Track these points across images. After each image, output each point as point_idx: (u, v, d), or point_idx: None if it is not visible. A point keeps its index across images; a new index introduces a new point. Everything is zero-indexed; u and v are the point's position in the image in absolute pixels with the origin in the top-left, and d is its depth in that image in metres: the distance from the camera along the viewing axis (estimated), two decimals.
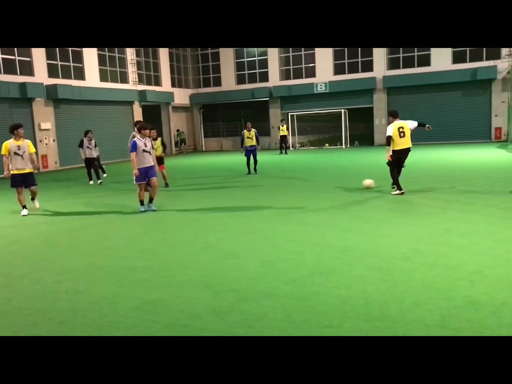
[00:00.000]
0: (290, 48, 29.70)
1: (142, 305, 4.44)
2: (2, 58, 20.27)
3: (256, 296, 4.53)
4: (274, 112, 30.69)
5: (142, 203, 9.37)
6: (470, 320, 3.77)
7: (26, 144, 9.57)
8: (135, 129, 10.22)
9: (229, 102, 31.86)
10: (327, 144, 29.63)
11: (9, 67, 20.49)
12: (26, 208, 9.69)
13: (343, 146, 28.53)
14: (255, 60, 31.16)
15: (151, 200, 9.48)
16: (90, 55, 24.58)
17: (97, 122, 24.41)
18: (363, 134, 29.31)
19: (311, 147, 29.90)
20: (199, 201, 10.62)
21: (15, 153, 9.37)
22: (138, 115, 27.74)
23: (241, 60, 31.53)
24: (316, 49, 28.83)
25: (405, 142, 9.78)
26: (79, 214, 9.71)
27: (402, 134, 9.74)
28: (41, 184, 14.51)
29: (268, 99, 30.47)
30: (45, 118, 21.85)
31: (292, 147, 29.15)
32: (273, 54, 30.21)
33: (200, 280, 5.08)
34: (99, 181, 14.78)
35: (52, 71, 22.50)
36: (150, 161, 9.29)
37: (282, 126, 25.55)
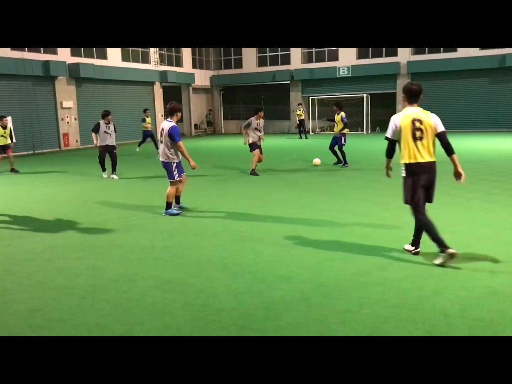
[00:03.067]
0: None
1: (161, 284, 4.48)
2: None
3: (273, 279, 4.53)
4: (295, 95, 30.38)
5: (171, 204, 7.58)
6: (491, 311, 3.71)
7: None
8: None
9: (249, 84, 31.63)
10: (347, 130, 29.22)
11: None
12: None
13: (364, 132, 28.17)
14: None
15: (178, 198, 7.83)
16: None
17: (118, 102, 24.51)
18: (385, 120, 28.78)
19: (331, 132, 29.58)
20: (218, 184, 10.63)
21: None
22: (158, 95, 27.78)
23: None
24: None
25: None
26: (99, 192, 9.82)
27: None
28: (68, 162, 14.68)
29: (289, 82, 30.16)
30: (67, 97, 22.01)
31: (311, 132, 28.89)
32: None
33: (218, 261, 5.10)
34: (115, 176, 11.90)
35: (75, 50, 22.58)
36: None
37: (299, 109, 25.26)
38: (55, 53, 21.48)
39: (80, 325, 3.67)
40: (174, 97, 30.16)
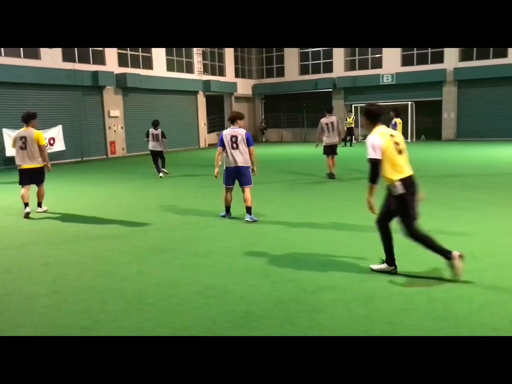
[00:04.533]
0: None
1: (204, 290, 4.55)
2: (77, 48, 21.29)
3: (315, 288, 4.51)
4: (337, 103, 30.17)
5: (227, 209, 7.76)
6: None
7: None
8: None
9: (291, 93, 31.70)
10: None
11: (83, 57, 21.49)
12: None
13: (409, 140, 27.61)
14: (319, 50, 30.75)
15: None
16: None
17: (162, 110, 25.09)
18: (430, 128, 28.20)
19: None
20: (258, 191, 10.70)
21: None
22: (201, 104, 28.26)
23: (306, 50, 31.22)
24: None
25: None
26: (146, 199, 10.08)
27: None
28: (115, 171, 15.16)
29: (331, 90, 30.02)
30: (114, 106, 22.76)
31: (354, 140, 28.58)
32: None
33: (259, 268, 5.13)
34: (160, 174, 13.59)
35: (122, 61, 23.36)
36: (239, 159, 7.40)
37: (349, 117, 25.12)
38: (104, 63, 22.28)
39: (126, 328, 3.78)
40: (216, 106, 30.67)
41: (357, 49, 29.51)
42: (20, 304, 4.34)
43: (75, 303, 4.33)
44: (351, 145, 24.60)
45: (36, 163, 8.55)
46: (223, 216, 7.78)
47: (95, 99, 21.95)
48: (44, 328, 3.82)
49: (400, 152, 4.62)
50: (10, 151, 17.29)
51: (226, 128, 7.75)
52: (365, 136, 29.06)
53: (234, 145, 7.38)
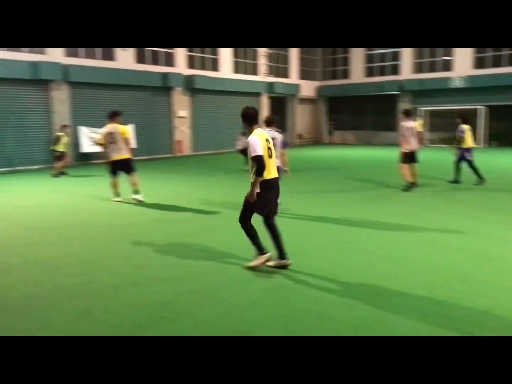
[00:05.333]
0: None
1: (276, 288, 4.65)
2: (150, 50, 22.16)
3: (388, 294, 4.49)
4: (404, 106, 29.37)
5: None
6: None
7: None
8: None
9: (356, 95, 31.25)
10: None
11: (154, 58, 22.34)
12: None
13: (481, 145, 26.43)
14: (385, 52, 30.11)
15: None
16: (225, 47, 25.80)
17: (227, 111, 25.59)
18: (503, 134, 26.81)
19: (442, 145, 28.17)
20: (326, 194, 10.67)
21: None
22: (265, 106, 28.50)
23: (372, 52, 30.69)
24: None
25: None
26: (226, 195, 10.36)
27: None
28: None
29: (397, 93, 29.29)
30: (181, 107, 23.47)
31: (422, 144, 27.70)
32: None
33: (330, 271, 5.16)
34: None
35: (191, 63, 24.05)
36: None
37: (418, 121, 24.39)
38: (173, 65, 23.04)
39: (203, 320, 3.95)
40: (279, 107, 30.80)
41: (425, 51, 28.63)
42: (105, 292, 4.64)
43: (155, 294, 4.56)
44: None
45: (123, 155, 9.44)
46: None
47: (164, 100, 22.73)
48: (128, 315, 4.07)
49: (270, 156, 5.15)
50: (86, 148, 18.37)
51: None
52: (432, 141, 28.22)
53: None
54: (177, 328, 3.82)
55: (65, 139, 14.50)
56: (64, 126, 15.13)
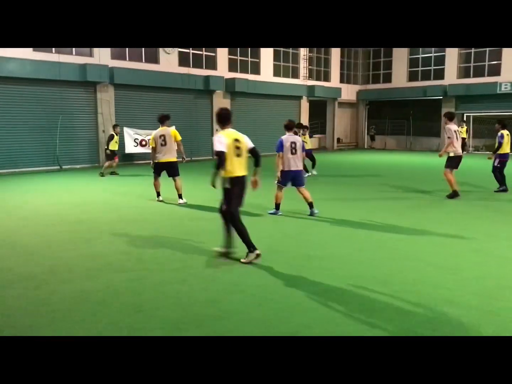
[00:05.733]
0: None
1: (323, 292, 4.64)
2: (192, 53, 22.54)
3: (438, 302, 4.40)
4: (447, 110, 28.72)
5: (278, 207, 8.54)
6: None
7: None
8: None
9: (397, 99, 30.75)
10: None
11: (197, 62, 22.70)
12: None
13: None
14: (430, 56, 29.49)
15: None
16: (266, 51, 25.89)
17: (266, 114, 25.69)
18: None
19: (487, 152, 27.34)
20: (371, 200, 10.56)
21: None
22: (305, 109, 28.45)
23: (415, 56, 30.12)
24: None
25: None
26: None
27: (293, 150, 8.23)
28: None
29: (441, 98, 28.63)
30: None
31: (464, 151, 27.00)
32: (452, 50, 28.23)
33: (379, 277, 5.11)
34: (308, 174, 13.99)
35: (232, 66, 24.29)
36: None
37: (462, 127, 23.86)
38: (215, 68, 23.33)
39: (253, 320, 3.99)
40: (319, 111, 30.69)
41: (472, 55, 27.88)
42: (155, 289, 4.76)
43: (201, 292, 4.65)
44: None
45: (172, 157, 9.71)
46: (274, 213, 8.51)
47: (205, 103, 23.04)
48: (178, 312, 4.16)
49: (238, 155, 5.52)
50: (129, 148, 18.82)
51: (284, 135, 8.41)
52: (476, 147, 27.43)
53: (293, 151, 8.21)
54: (224, 326, 3.87)
55: (116, 138, 15.00)
56: (116, 126, 15.72)
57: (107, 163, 15.04)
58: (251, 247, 5.57)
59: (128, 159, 19.36)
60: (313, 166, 15.10)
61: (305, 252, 6.09)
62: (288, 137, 8.28)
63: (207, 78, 22.34)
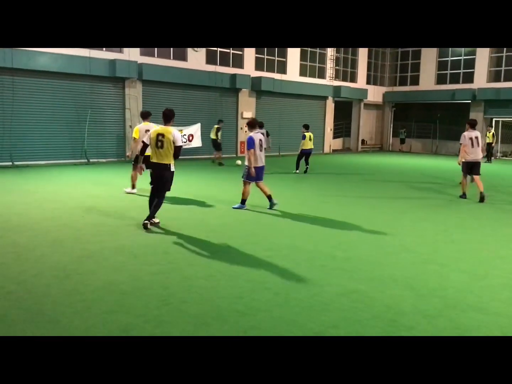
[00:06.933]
0: (505, 48, 26.89)
1: (348, 293, 4.65)
2: (219, 51, 22.65)
3: (465, 308, 4.36)
4: (476, 116, 28.12)
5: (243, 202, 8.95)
6: None
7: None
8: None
9: (424, 102, 30.33)
10: None
11: (224, 60, 22.82)
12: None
13: None
14: (460, 59, 29.01)
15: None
16: (293, 50, 25.85)
17: (291, 114, 25.67)
18: None
19: None
20: (392, 203, 10.47)
21: None
22: (330, 110, 28.31)
23: (444, 59, 29.66)
24: None
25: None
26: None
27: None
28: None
29: (469, 101, 28.13)
30: (247, 108, 23.79)
31: (492, 156, 26.50)
32: (483, 54, 27.70)
33: (402, 280, 5.08)
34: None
35: (258, 65, 24.33)
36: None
37: (489, 132, 23.49)
38: (242, 67, 23.41)
39: (278, 318, 4.02)
40: (344, 112, 30.48)
41: (504, 58, 27.31)
42: (181, 283, 4.84)
43: (228, 288, 4.70)
44: (490, 161, 23.04)
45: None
46: (239, 208, 8.87)
47: (231, 101, 23.15)
48: (204, 306, 4.23)
49: (160, 147, 7.02)
50: None
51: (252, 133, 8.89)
52: (504, 153, 26.86)
53: (261, 148, 8.83)
54: (248, 323, 3.91)
55: (220, 132, 18.08)
56: (221, 121, 18.55)
57: (218, 154, 18.21)
58: (150, 219, 7.15)
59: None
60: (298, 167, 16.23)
61: (329, 252, 6.10)
62: (256, 135, 8.79)
63: (233, 76, 22.43)
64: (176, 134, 7.11)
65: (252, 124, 8.95)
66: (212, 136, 18.14)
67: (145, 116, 10.59)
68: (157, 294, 4.52)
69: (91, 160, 17.87)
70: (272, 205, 8.92)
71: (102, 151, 18.61)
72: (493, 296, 4.67)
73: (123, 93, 19.16)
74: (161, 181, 7.15)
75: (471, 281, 5.15)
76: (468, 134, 10.61)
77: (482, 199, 10.41)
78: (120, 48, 18.91)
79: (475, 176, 10.72)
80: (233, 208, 8.92)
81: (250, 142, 8.66)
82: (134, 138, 10.19)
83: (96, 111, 18.28)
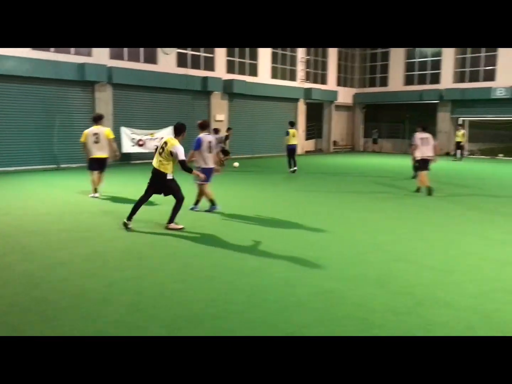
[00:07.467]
0: (468, 49, 27.67)
1: (320, 293, 4.70)
2: (190, 54, 22.58)
3: (433, 304, 4.47)
4: (443, 116, 28.90)
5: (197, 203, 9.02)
6: None
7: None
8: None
9: (393, 103, 30.91)
10: (501, 155, 27.02)
11: (195, 62, 22.74)
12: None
13: None
14: (427, 60, 29.69)
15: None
16: (264, 53, 25.97)
17: (263, 116, 25.77)
18: None
19: (482, 156, 27.54)
20: (372, 202, 10.64)
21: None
22: (301, 112, 28.55)
23: (412, 60, 30.31)
24: (499, 50, 26.36)
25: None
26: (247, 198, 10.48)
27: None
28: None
29: (437, 102, 28.81)
30: (220, 110, 23.77)
31: (462, 155, 27.18)
32: (448, 55, 28.43)
33: (374, 278, 5.18)
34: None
35: (230, 67, 24.35)
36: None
37: (459, 131, 24.34)
38: (213, 70, 23.38)
39: (252, 320, 4.04)
40: (316, 113, 30.77)
41: (468, 60, 28.09)
42: (154, 288, 4.81)
43: (202, 291, 4.70)
44: (460, 160, 23.85)
45: (103, 154, 10.50)
46: (211, 210, 8.85)
47: (203, 104, 23.08)
48: (177, 310, 4.21)
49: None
50: (127, 148, 18.87)
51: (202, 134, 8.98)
52: (471, 152, 27.59)
53: (210, 149, 8.80)
54: (222, 325, 3.92)
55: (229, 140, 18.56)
56: (229, 129, 19.36)
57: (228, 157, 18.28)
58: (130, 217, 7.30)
59: (126, 159, 19.38)
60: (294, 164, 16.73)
61: (301, 252, 6.16)
62: (205, 136, 8.84)
63: (205, 79, 22.39)
64: (178, 148, 7.11)
65: (202, 126, 9.03)
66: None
67: (96, 119, 10.77)
68: (129, 299, 4.48)
69: (61, 166, 17.53)
70: (194, 207, 8.96)
71: (73, 156, 18.23)
72: (460, 292, 4.81)
73: (93, 97, 18.89)
74: (162, 186, 7.28)
75: (439, 277, 5.28)
76: (419, 135, 11.85)
77: (429, 192, 11.37)
78: (88, 52, 18.65)
79: (423, 172, 11.70)
80: (206, 211, 8.90)
81: (197, 143, 8.72)
82: (83, 143, 10.54)
83: (65, 115, 17.96)
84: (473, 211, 9.48)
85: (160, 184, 7.30)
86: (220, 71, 23.69)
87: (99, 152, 10.42)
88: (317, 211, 9.33)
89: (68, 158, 17.97)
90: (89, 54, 18.62)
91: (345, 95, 31.73)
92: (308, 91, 28.06)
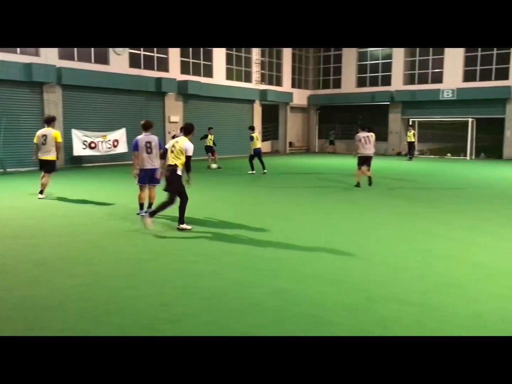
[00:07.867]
0: (417, 52, 28.66)
1: (275, 293, 4.72)
2: (144, 55, 22.21)
3: (385, 300, 4.58)
4: (394, 117, 29.78)
5: (141, 206, 8.71)
6: None
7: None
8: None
9: (347, 104, 31.57)
10: (449, 154, 28.11)
11: (148, 63, 22.39)
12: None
13: (468, 157, 26.85)
14: (378, 63, 30.51)
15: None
16: (219, 54, 25.91)
17: (219, 117, 25.69)
18: (490, 146, 27.28)
19: (431, 156, 28.56)
20: (314, 201, 10.79)
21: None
22: (257, 113, 28.67)
23: (364, 62, 31.06)
24: (445, 53, 27.43)
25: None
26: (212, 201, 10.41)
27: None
28: None
29: (388, 103, 29.66)
30: (174, 112, 23.51)
31: (413, 154, 28.08)
32: (398, 58, 29.33)
33: (327, 277, 5.25)
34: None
35: (184, 68, 24.13)
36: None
37: (410, 132, 25.27)
38: (167, 70, 23.10)
39: (206, 323, 4.00)
40: (271, 115, 30.99)
41: (417, 63, 29.08)
42: (105, 294, 4.67)
43: (155, 296, 4.61)
44: (411, 159, 24.78)
45: (50, 156, 10.68)
46: (139, 214, 8.52)
47: (157, 105, 22.76)
48: (129, 316, 4.11)
49: (171, 151, 7.54)
50: (78, 151, 18.32)
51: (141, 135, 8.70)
52: (421, 152, 28.56)
53: (149, 150, 8.52)
54: (176, 329, 3.86)
55: (212, 137, 18.88)
56: (210, 128, 19.28)
57: (211, 157, 18.72)
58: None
59: (77, 162, 18.84)
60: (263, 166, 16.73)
61: (256, 254, 6.16)
62: (144, 137, 8.57)
63: (159, 80, 22.08)
64: (189, 145, 7.51)
65: (145, 126, 8.71)
66: (209, 143, 18.97)
67: (47, 121, 10.93)
68: (79, 307, 4.33)
69: (8, 170, 16.80)
70: (142, 212, 8.47)
71: (20, 160, 17.54)
72: (409, 287, 4.95)
73: (41, 99, 18.23)
74: (170, 181, 7.46)
75: (389, 274, 5.41)
76: (361, 134, 12.96)
77: (370, 182, 12.77)
78: (36, 51, 18.00)
79: (365, 168, 12.82)
80: (137, 214, 8.57)
81: (134, 145, 8.51)
82: (36, 144, 10.77)
83: (12, 117, 17.24)
84: (422, 208, 9.80)
85: (170, 178, 7.52)
86: (174, 72, 23.44)
87: (45, 154, 10.64)
88: (270, 212, 9.38)
89: (15, 162, 17.26)
90: (36, 54, 17.97)
91: (300, 97, 32.13)
92: (263, 93, 28.21)
